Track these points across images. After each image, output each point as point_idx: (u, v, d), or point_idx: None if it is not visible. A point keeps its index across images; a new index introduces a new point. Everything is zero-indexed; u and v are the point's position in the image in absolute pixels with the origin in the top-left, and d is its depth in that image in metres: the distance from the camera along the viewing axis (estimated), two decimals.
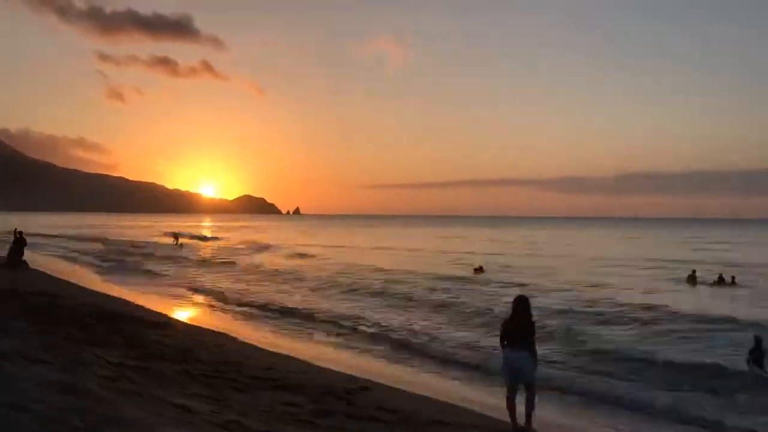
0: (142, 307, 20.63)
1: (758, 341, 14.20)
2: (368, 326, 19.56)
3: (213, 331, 17.04)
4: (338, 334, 18.59)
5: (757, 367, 13.80)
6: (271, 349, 14.96)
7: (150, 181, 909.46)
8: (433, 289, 28.87)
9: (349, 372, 13.18)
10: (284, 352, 14.92)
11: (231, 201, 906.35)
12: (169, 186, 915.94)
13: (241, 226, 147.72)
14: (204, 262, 44.91)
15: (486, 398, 12.13)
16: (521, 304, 9.47)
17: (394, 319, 21.07)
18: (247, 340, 15.97)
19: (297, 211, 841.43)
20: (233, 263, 43.97)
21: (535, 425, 9.39)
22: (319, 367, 13.37)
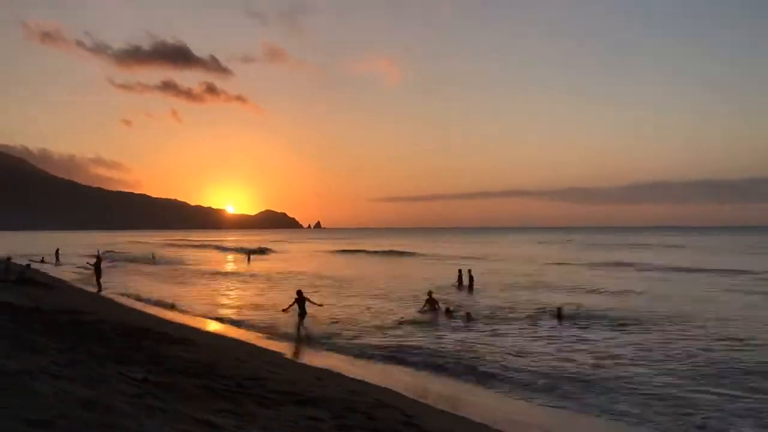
0: (165, 323, 20.74)
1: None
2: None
3: (236, 347, 17.07)
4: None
5: None
6: (292, 364, 14.95)
7: (172, 197, 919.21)
8: None
9: (374, 386, 13.14)
10: (307, 367, 14.91)
11: (253, 216, 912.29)
12: (191, 203, 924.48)
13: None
14: None
15: (507, 406, 12.05)
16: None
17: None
18: (269, 356, 15.97)
19: (318, 225, 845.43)
20: None
21: None
22: (340, 381, 13.32)
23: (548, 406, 12.63)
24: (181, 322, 21.86)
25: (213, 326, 22.59)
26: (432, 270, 51.49)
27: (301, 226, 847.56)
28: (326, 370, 14.76)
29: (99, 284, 32.04)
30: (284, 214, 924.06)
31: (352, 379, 13.81)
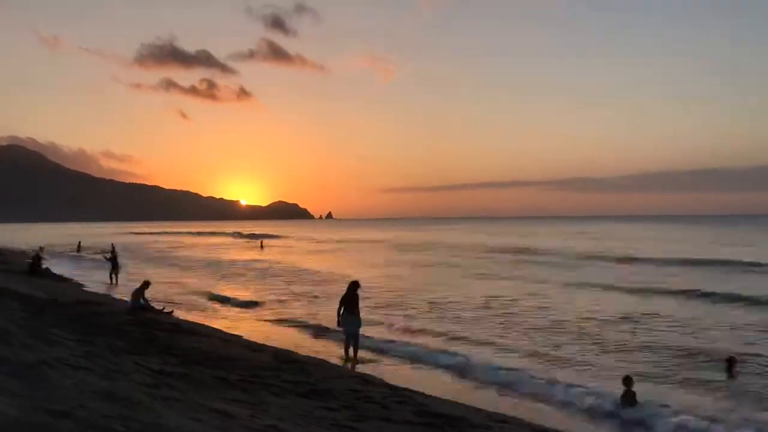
0: (179, 315, 20.88)
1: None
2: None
3: (248, 338, 17.19)
4: None
5: None
6: (306, 354, 15.04)
7: (184, 189, 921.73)
8: None
9: (384, 376, 13.20)
10: (320, 357, 15.00)
11: (265, 207, 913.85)
12: (204, 194, 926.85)
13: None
14: None
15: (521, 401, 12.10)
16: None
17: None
18: (283, 346, 16.06)
19: (329, 216, 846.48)
20: None
21: None
22: (354, 371, 13.41)
23: None
24: (190, 313, 22.01)
25: (222, 317, 22.66)
26: None
27: (312, 217, 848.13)
28: (340, 363, 14.84)
29: (111, 278, 31.93)
30: (296, 204, 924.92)
31: (369, 371, 13.89)
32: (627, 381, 11.91)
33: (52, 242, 77.34)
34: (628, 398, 11.59)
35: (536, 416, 11.07)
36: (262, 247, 74.49)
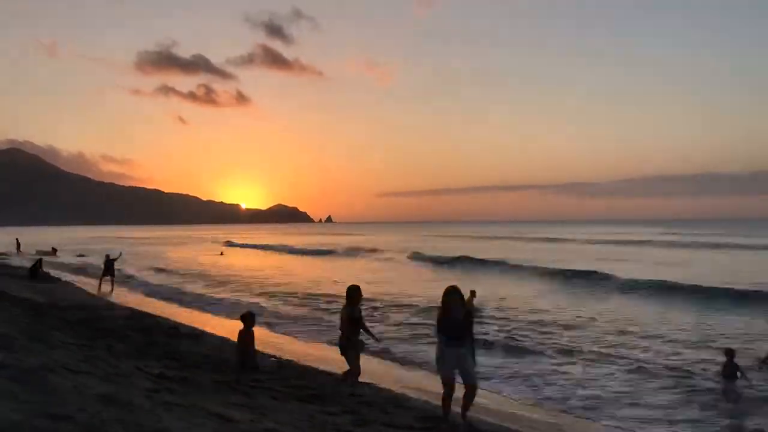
0: (178, 319, 20.86)
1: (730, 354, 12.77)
2: None
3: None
4: None
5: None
6: (305, 359, 15.03)
7: (184, 193, 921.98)
8: None
9: (384, 380, 13.18)
10: (319, 362, 14.98)
11: (265, 210, 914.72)
12: (203, 198, 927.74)
13: None
14: None
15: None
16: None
17: None
18: (282, 351, 16.05)
19: (329, 220, 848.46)
20: None
21: None
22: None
23: None
24: (189, 317, 21.98)
25: (219, 321, 22.60)
26: None
27: (312, 220, 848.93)
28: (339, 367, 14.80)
29: (101, 283, 31.68)
30: (295, 208, 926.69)
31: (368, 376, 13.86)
32: (729, 352, 12.19)
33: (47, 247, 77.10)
34: (730, 370, 11.89)
35: (544, 421, 11.04)
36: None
